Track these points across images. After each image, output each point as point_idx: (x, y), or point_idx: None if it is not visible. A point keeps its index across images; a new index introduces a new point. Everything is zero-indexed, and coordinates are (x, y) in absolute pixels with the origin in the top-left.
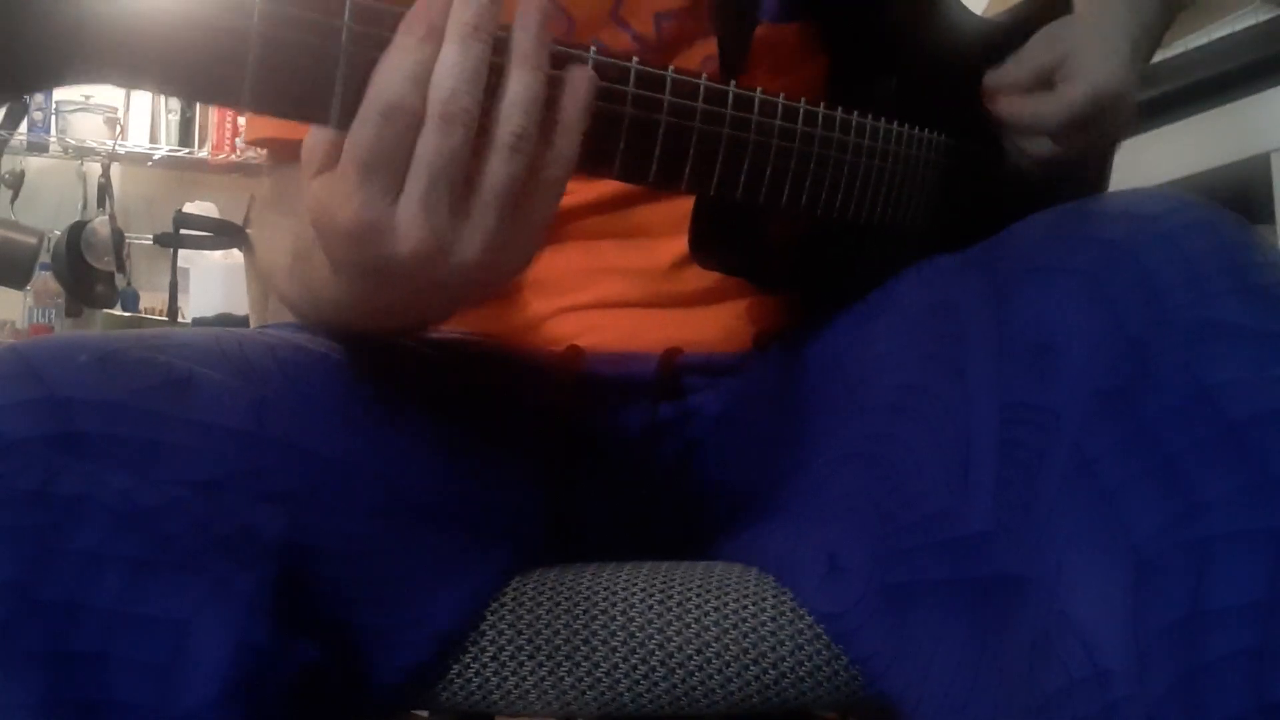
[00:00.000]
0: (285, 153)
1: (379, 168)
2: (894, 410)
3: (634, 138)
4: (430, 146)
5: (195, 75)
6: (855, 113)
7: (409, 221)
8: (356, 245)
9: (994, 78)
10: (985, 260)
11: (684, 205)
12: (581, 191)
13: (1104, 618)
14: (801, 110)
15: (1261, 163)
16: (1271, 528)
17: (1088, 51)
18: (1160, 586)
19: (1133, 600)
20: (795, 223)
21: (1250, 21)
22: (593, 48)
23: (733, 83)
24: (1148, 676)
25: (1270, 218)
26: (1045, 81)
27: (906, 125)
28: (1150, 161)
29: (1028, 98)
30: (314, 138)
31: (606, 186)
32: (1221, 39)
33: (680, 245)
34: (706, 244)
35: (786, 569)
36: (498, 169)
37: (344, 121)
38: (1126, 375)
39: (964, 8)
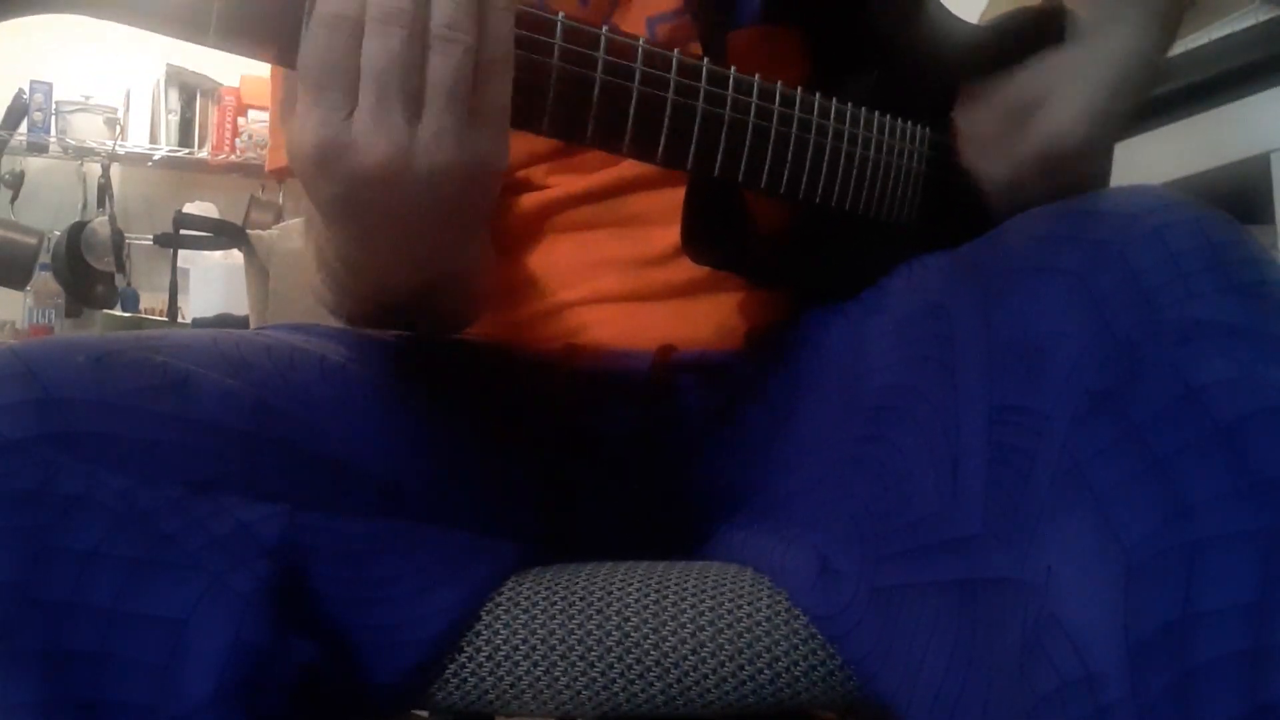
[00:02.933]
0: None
1: (329, 83)
2: (885, 411)
3: (606, 105)
4: (373, 52)
5: (163, 7)
6: (835, 99)
7: (366, 132)
8: (323, 171)
9: (960, 112)
10: (975, 260)
11: (677, 194)
12: (574, 182)
13: (1095, 620)
14: (778, 91)
15: (1261, 163)
16: (1262, 528)
17: (1060, 96)
18: (1151, 589)
19: (1124, 603)
20: (786, 218)
21: (1250, 21)
22: (561, 14)
23: (705, 60)
24: (1140, 679)
25: (1270, 218)
26: (1015, 117)
27: (889, 116)
28: (1150, 161)
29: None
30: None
31: (600, 176)
32: (1221, 39)
33: (673, 234)
34: (698, 238)
35: (779, 570)
36: (438, 64)
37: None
38: (1115, 376)
39: (948, 13)
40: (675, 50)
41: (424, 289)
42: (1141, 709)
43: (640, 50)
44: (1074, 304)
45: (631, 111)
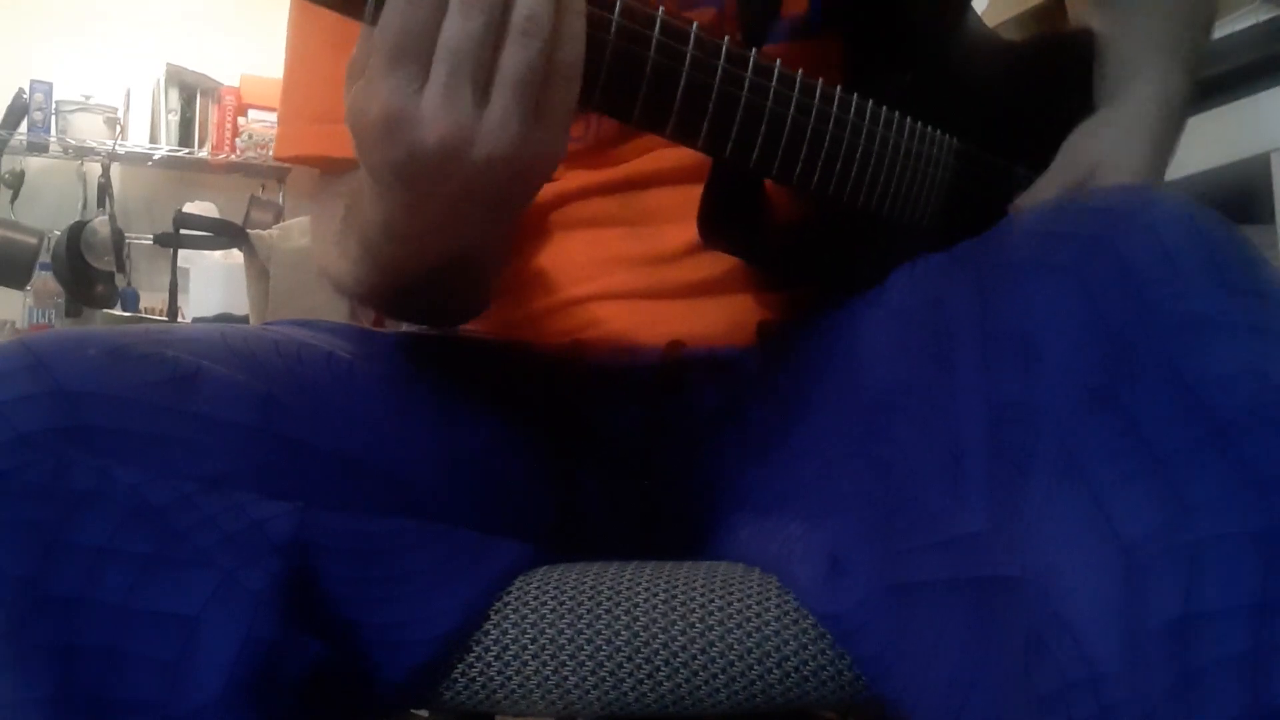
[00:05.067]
0: (321, 168)
1: (405, 55)
2: (887, 408)
3: (656, 85)
4: (453, 31)
5: None
6: (870, 100)
7: (434, 108)
8: (386, 139)
9: (1024, 200)
10: (971, 256)
11: (694, 192)
12: (590, 175)
13: (1097, 619)
14: (819, 88)
15: (1261, 163)
16: (1262, 529)
17: (1111, 169)
18: (1152, 588)
19: (1125, 602)
20: (803, 210)
21: (1250, 21)
22: None
23: (754, 50)
24: (1142, 679)
25: (1270, 218)
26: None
27: (919, 122)
28: None
29: None
30: (356, 51)
31: (617, 170)
32: (1221, 39)
33: (688, 232)
34: (714, 223)
35: (787, 569)
36: (513, 54)
37: (378, 17)
38: (1112, 371)
39: (986, 27)
40: (725, 37)
41: (451, 266)
42: (1145, 708)
43: (693, 35)
44: (1069, 298)
45: (679, 94)
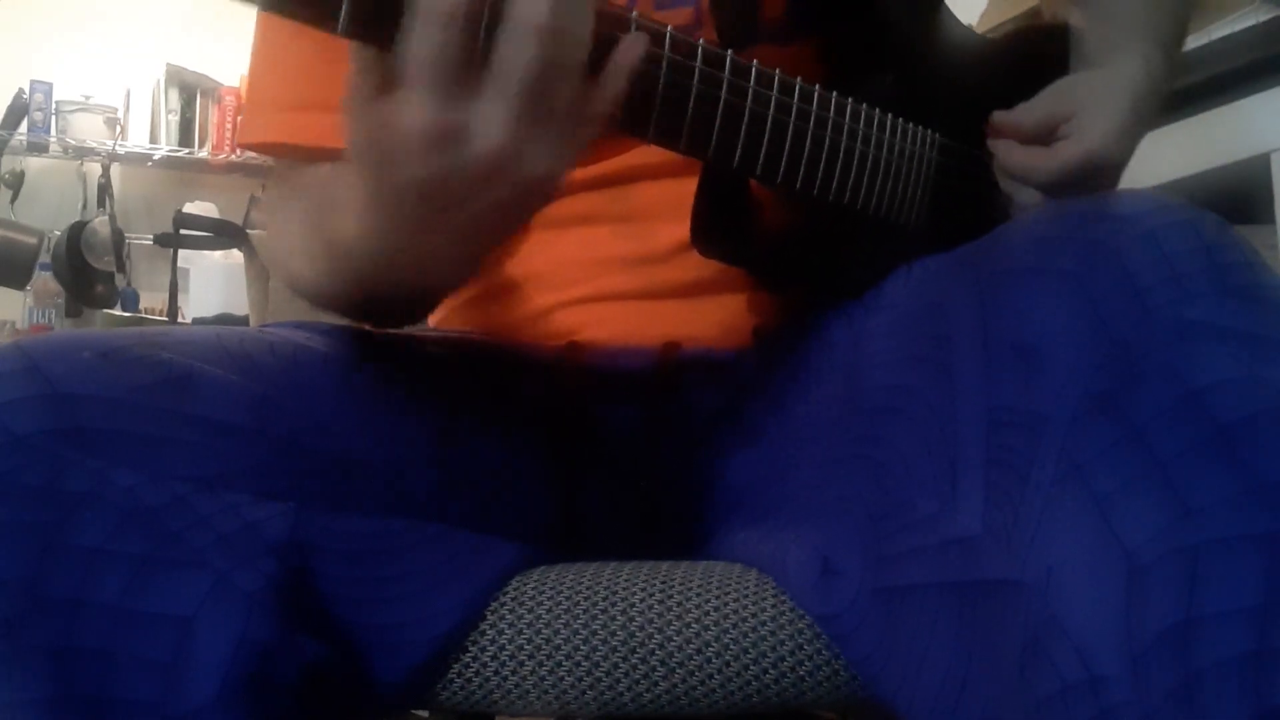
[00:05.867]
0: (284, 156)
1: (450, 71)
2: (884, 412)
3: (634, 90)
4: (510, 57)
5: None
6: (851, 99)
7: (489, 122)
8: (430, 154)
9: (1000, 118)
10: (971, 261)
11: (683, 187)
12: (577, 171)
13: (1097, 622)
14: (798, 87)
15: (1261, 163)
16: (1265, 532)
17: (1092, 113)
18: (1154, 591)
19: (1126, 605)
20: (795, 215)
21: (1250, 21)
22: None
23: (729, 51)
24: (1143, 682)
25: (1270, 218)
26: (1046, 134)
27: (901, 119)
28: (1150, 161)
29: (1026, 149)
30: (352, 75)
31: (602, 166)
32: (1221, 39)
33: (679, 230)
34: (707, 231)
35: (781, 570)
36: (565, 85)
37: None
38: (1114, 377)
39: (961, 24)
40: (700, 40)
41: (440, 282)
42: (1146, 711)
43: (668, 37)
44: (1070, 304)
45: (658, 98)
